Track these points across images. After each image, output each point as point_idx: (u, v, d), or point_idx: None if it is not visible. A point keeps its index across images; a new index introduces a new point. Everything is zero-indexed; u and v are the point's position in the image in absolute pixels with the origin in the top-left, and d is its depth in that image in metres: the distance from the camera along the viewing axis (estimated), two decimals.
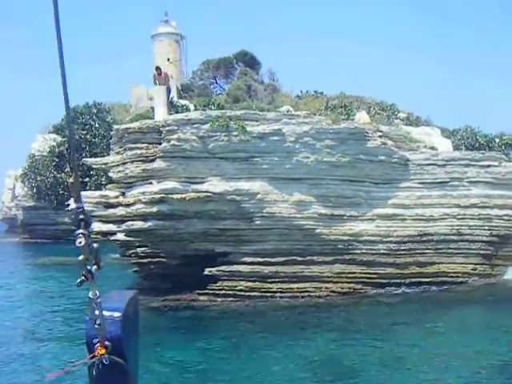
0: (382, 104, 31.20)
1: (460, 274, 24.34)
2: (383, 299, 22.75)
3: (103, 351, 2.97)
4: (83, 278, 2.87)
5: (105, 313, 2.96)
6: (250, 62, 35.83)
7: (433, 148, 26.13)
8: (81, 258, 2.81)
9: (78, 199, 2.77)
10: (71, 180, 2.88)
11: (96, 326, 2.93)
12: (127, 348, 3.10)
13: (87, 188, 40.45)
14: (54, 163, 49.31)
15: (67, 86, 2.78)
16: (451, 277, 24.26)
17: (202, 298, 22.99)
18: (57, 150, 49.22)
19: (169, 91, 26.15)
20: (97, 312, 2.90)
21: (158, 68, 26.61)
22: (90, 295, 2.88)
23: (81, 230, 2.77)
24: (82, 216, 2.79)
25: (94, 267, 2.88)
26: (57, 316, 22.03)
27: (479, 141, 28.96)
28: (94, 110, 49.25)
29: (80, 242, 2.77)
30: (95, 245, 2.84)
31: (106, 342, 2.97)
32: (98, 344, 2.97)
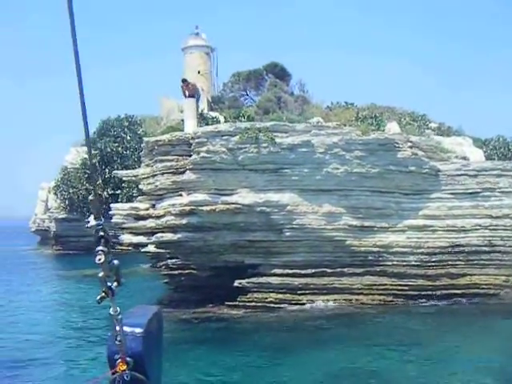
0: (412, 114, 31.02)
1: (492, 286, 24.00)
2: (415, 311, 22.54)
3: (124, 367, 2.98)
4: (103, 294, 2.85)
5: (126, 329, 2.97)
6: (280, 73, 35.89)
7: (464, 158, 25.89)
8: (101, 274, 2.80)
9: (97, 216, 2.77)
10: (90, 197, 2.88)
11: (117, 342, 2.94)
12: (149, 364, 3.10)
13: (119, 200, 40.71)
14: (86, 175, 49.69)
15: (86, 113, 2.81)
16: (483, 288, 23.92)
17: (232, 309, 22.97)
18: (89, 162, 49.57)
19: (197, 100, 26.31)
20: (118, 328, 2.91)
21: (184, 80, 26.75)
22: (111, 312, 2.88)
23: (100, 247, 2.74)
24: (101, 233, 2.77)
25: (115, 284, 2.88)
26: (82, 329, 22.11)
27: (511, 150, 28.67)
28: (126, 123, 49.60)
29: (100, 259, 2.74)
30: (115, 261, 2.85)
31: (128, 358, 2.98)
32: (120, 360, 2.98)
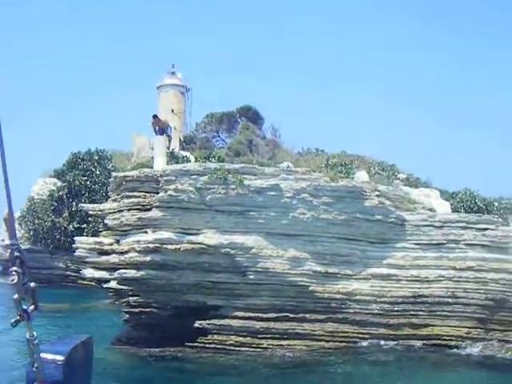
0: (382, 164, 31.33)
1: (453, 338, 24.05)
2: (376, 358, 22.48)
3: None
4: (18, 317, 2.78)
5: (48, 356, 2.88)
6: (253, 116, 36.16)
7: (431, 210, 26.13)
8: (15, 296, 2.72)
9: (12, 236, 2.72)
10: (5, 216, 2.82)
11: (34, 369, 2.84)
12: None
13: (84, 234, 40.36)
14: (52, 207, 49.21)
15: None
16: (444, 340, 23.98)
17: (191, 350, 22.70)
18: (56, 194, 49.17)
19: (167, 134, 26.41)
20: (35, 354, 2.82)
21: (155, 116, 26.88)
22: (27, 336, 2.80)
23: (15, 268, 2.69)
24: (17, 253, 2.72)
25: (31, 307, 2.80)
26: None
27: (478, 204, 28.99)
28: (96, 157, 49.41)
29: (13, 280, 2.69)
30: (32, 284, 2.77)
31: None
32: None
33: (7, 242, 2.74)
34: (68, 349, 3.02)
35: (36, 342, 2.81)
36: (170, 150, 27.60)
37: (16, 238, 2.72)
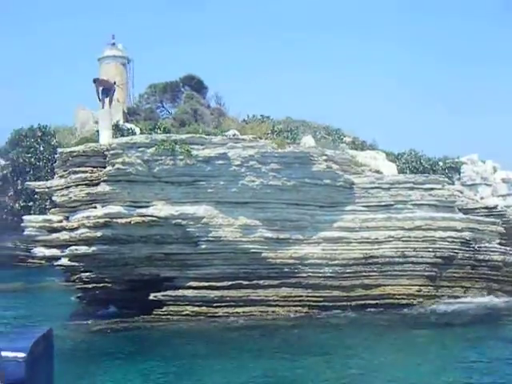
0: (327, 128, 31.50)
1: (405, 296, 24.52)
2: (329, 322, 22.79)
3: None
4: None
5: (8, 354, 2.79)
6: (196, 86, 35.83)
7: (378, 172, 26.45)
8: None
9: None
10: None
11: None
12: None
13: (31, 212, 39.80)
14: None
15: None
16: (396, 299, 24.43)
17: (147, 322, 22.70)
18: (0, 173, 48.37)
19: (113, 92, 25.92)
20: None
21: (95, 80, 26.26)
22: None
23: None
24: None
25: None
26: None
27: (423, 164, 29.50)
28: (39, 133, 48.54)
29: None
30: None
31: None
32: None
33: None
34: (29, 344, 2.94)
35: None
36: (115, 122, 27.25)
37: None
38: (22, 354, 2.87)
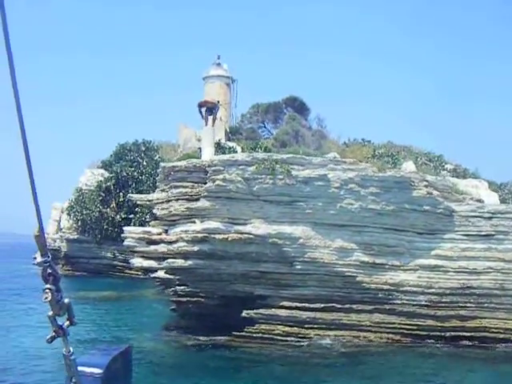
0: (429, 155, 31.06)
1: (502, 330, 23.78)
2: (422, 351, 22.36)
3: None
4: (54, 333, 2.76)
5: (85, 369, 2.82)
6: (298, 107, 36.10)
7: (479, 201, 25.83)
8: (50, 313, 2.72)
9: (44, 252, 2.69)
10: (35, 233, 2.70)
11: None
12: None
13: (131, 224, 40.81)
14: (100, 198, 49.83)
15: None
16: (493, 332, 23.72)
17: (238, 340, 22.85)
18: (104, 185, 49.82)
19: (216, 111, 26.34)
20: (72, 369, 2.81)
21: (199, 104, 26.77)
22: (63, 352, 2.79)
23: (48, 286, 2.69)
24: (49, 270, 2.70)
25: (67, 323, 2.77)
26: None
27: None
28: (143, 148, 49.91)
29: (46, 298, 2.68)
30: (66, 300, 2.72)
31: None
32: None
33: (39, 259, 2.70)
34: (106, 361, 2.98)
35: (73, 357, 2.77)
36: (217, 140, 27.69)
37: (48, 255, 2.69)
38: (98, 370, 2.95)
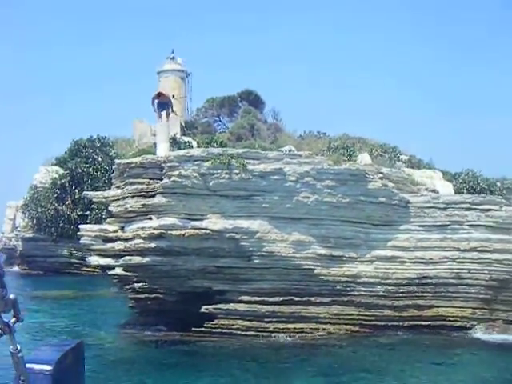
0: (384, 146, 31.28)
1: (458, 319, 24.13)
2: (381, 341, 22.57)
3: None
4: (0, 331, 2.70)
5: (34, 366, 2.76)
6: (254, 101, 36.15)
7: (434, 191, 26.12)
8: None
9: None
10: None
11: (21, 382, 2.76)
12: None
13: (87, 221, 40.43)
14: (55, 195, 49.25)
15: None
16: (449, 321, 24.07)
17: (197, 335, 22.81)
18: (59, 182, 49.24)
19: (170, 103, 25.99)
20: (20, 367, 2.73)
21: (159, 94, 26.37)
22: (11, 349, 2.71)
23: None
24: None
25: (13, 320, 2.71)
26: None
27: (481, 184, 28.95)
28: (98, 144, 49.39)
29: None
30: (12, 296, 2.67)
31: None
32: None
33: None
34: (56, 357, 2.90)
35: (20, 354, 2.70)
36: (172, 135, 27.54)
37: None
38: (48, 367, 2.84)
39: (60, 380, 2.88)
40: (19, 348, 2.70)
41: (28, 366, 2.78)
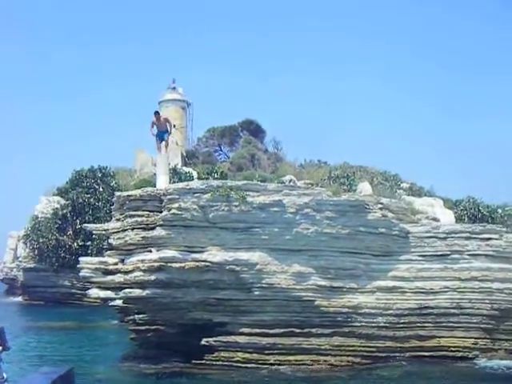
0: (385, 174, 31.43)
1: (460, 349, 24.03)
2: (382, 373, 22.43)
3: None
4: None
5: None
6: (254, 130, 36.34)
7: (435, 219, 26.16)
8: None
9: None
10: None
11: None
12: None
13: (89, 252, 40.46)
14: (56, 226, 49.34)
15: None
16: (451, 351, 23.96)
17: (198, 367, 22.71)
18: (60, 212, 49.35)
19: (167, 133, 25.85)
20: None
21: (156, 112, 26.26)
22: None
23: None
24: None
25: None
26: None
27: (482, 211, 28.99)
28: (99, 174, 49.59)
29: None
30: None
31: None
32: None
33: None
34: None
35: (5, 383, 2.74)
36: (173, 166, 27.61)
37: None
38: None
39: None
40: (5, 377, 2.74)
41: None
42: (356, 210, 23.10)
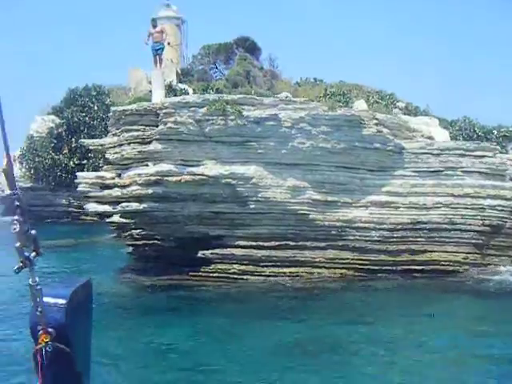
0: (381, 93, 31.28)
1: (451, 263, 24.46)
2: (375, 285, 22.89)
3: (47, 338, 2.94)
4: (21, 264, 2.86)
5: (50, 299, 2.94)
6: (250, 47, 35.83)
7: (430, 138, 26.24)
8: (17, 244, 2.79)
9: (12, 186, 2.76)
10: (4, 166, 2.82)
11: (38, 314, 2.91)
12: (73, 335, 3.07)
13: (85, 170, 40.53)
14: (52, 144, 49.23)
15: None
16: (442, 265, 24.40)
17: (195, 279, 23.14)
18: (55, 131, 49.20)
19: (162, 46, 25.76)
20: (38, 299, 2.88)
21: (153, 20, 26.00)
22: (30, 282, 2.86)
23: (16, 217, 2.75)
24: (17, 203, 2.77)
25: (33, 254, 2.88)
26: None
27: (477, 132, 29.11)
28: (94, 93, 49.18)
29: (15, 229, 2.75)
30: (33, 231, 2.82)
31: (50, 330, 2.94)
32: (41, 331, 2.94)
33: (7, 191, 2.80)
34: (69, 292, 3.07)
35: (38, 287, 2.90)
36: (168, 82, 27.49)
37: (16, 188, 2.75)
38: (62, 301, 3.01)
39: (72, 313, 3.04)
40: (37, 281, 2.88)
41: (44, 299, 2.92)
42: (351, 124, 23.18)
